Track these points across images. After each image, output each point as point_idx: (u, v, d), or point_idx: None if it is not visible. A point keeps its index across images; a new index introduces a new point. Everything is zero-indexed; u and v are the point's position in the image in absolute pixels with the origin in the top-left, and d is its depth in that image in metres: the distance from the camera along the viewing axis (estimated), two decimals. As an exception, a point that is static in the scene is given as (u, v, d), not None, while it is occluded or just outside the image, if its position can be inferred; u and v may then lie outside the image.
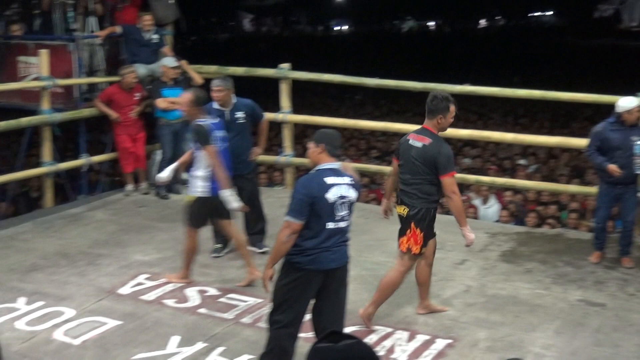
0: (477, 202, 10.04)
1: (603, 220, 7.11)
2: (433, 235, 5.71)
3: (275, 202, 8.24)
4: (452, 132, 10.03)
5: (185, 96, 6.46)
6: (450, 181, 5.44)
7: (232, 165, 6.68)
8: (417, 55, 32.00)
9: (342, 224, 4.60)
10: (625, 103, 6.77)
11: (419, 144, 5.49)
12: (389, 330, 5.61)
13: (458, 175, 10.06)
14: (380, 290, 5.66)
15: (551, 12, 56.73)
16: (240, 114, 7.11)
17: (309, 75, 9.51)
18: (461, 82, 9.67)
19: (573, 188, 9.37)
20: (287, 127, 9.60)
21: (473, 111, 18.33)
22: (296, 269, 4.55)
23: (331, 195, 4.52)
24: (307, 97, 19.76)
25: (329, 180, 4.55)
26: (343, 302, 4.75)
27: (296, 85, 9.54)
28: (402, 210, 5.56)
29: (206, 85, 8.07)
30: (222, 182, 6.22)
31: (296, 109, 9.58)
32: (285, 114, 9.43)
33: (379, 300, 5.67)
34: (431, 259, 5.80)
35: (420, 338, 5.51)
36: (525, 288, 6.44)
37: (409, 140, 5.58)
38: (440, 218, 8.57)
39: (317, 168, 4.65)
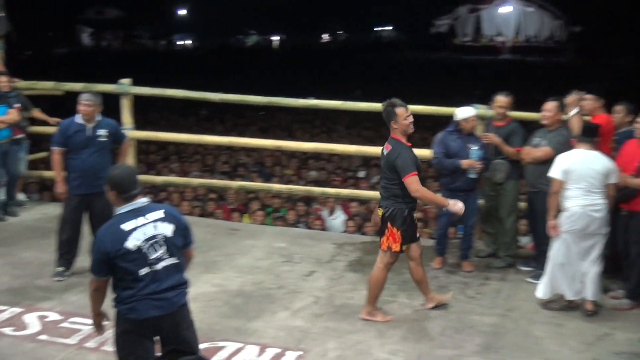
0: (323, 213, 10.22)
1: (445, 226, 7.42)
2: (415, 236, 6.07)
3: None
4: (296, 145, 10.24)
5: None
6: (409, 181, 5.77)
7: (90, 182, 6.73)
8: (262, 70, 32.21)
9: (160, 266, 4.18)
10: (462, 112, 7.12)
11: (385, 152, 5.96)
12: (239, 345, 5.59)
13: (304, 187, 10.31)
14: (370, 289, 6.10)
15: (390, 27, 58.77)
16: (102, 132, 6.97)
17: (151, 91, 9.35)
18: (305, 96, 9.84)
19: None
20: (129, 143, 9.37)
21: (317, 125, 18.68)
22: (122, 318, 4.21)
23: (132, 242, 4.12)
24: (150, 113, 19.44)
25: (128, 225, 4.16)
26: (192, 342, 4.36)
27: (139, 101, 9.36)
28: (380, 212, 6.00)
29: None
30: None
31: (139, 126, 9.39)
32: (127, 131, 9.22)
33: (372, 297, 6.09)
34: (419, 259, 6.16)
35: (271, 352, 5.53)
36: (372, 296, 6.60)
37: (383, 149, 6.03)
38: (286, 231, 8.76)
39: (116, 212, 4.31)
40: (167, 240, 4.22)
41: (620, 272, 6.68)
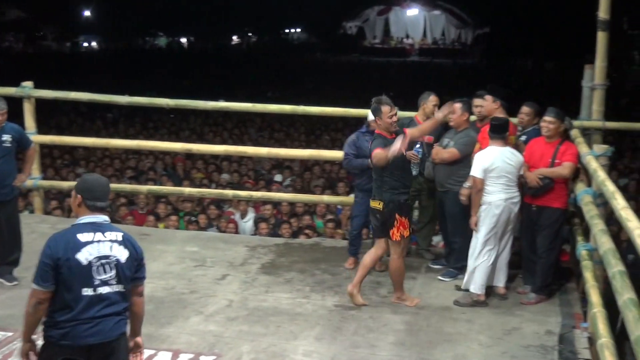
0: (236, 216, 10.17)
1: (359, 227, 7.49)
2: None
3: (24, 229, 7.78)
4: (207, 148, 10.16)
5: None
6: (373, 155, 6.22)
7: None
8: (171, 72, 31.79)
9: (105, 290, 3.95)
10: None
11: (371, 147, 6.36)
12: (151, 352, 5.49)
13: (215, 191, 10.23)
14: (393, 280, 6.53)
15: (300, 30, 58.95)
16: (7, 137, 6.75)
17: (54, 94, 9.08)
18: (216, 99, 9.77)
19: (327, 198, 9.78)
20: (34, 149, 9.10)
21: (229, 128, 18.57)
22: (50, 344, 3.93)
23: (84, 255, 3.90)
24: (58, 117, 18.94)
25: (84, 237, 3.94)
26: None
27: (45, 105, 9.10)
28: (377, 204, 6.31)
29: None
30: None
31: (43, 130, 9.13)
32: (30, 135, 8.95)
33: (398, 284, 6.53)
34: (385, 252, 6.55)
35: (184, 357, 5.46)
36: (285, 298, 6.61)
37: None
38: (198, 235, 8.67)
39: (75, 222, 4.07)
40: (118, 264, 4.00)
41: (527, 267, 6.88)
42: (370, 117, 7.19)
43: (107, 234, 4.02)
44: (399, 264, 6.42)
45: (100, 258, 3.94)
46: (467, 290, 6.58)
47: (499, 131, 6.53)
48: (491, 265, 6.53)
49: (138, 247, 4.17)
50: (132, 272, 4.09)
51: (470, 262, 6.56)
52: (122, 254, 4.02)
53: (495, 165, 6.42)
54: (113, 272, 3.98)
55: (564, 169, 6.53)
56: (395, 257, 6.41)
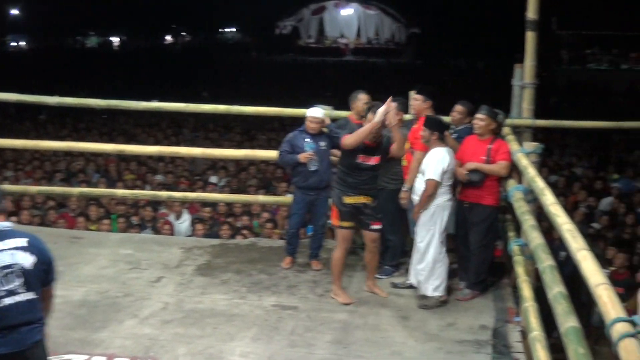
0: (171, 217, 10.07)
1: (296, 226, 7.49)
2: None
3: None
4: (140, 148, 10.02)
5: None
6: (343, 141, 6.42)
7: None
8: (103, 72, 31.30)
9: (13, 300, 3.81)
10: (312, 112, 7.22)
11: None
12: (85, 357, 5.41)
13: (149, 192, 10.12)
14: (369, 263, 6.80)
15: (235, 29, 58.70)
16: None
17: (-20, 95, 8.85)
18: (149, 99, 9.65)
19: (263, 198, 9.76)
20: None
21: (163, 128, 18.40)
22: None
23: None
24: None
25: None
26: None
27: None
28: (366, 199, 6.49)
29: None
30: None
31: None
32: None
33: (371, 271, 6.83)
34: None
35: (119, 362, 5.40)
36: (222, 299, 6.58)
37: None
38: (132, 237, 8.56)
39: None
40: (25, 272, 3.86)
41: (462, 263, 6.99)
42: (309, 114, 7.21)
43: (7, 241, 3.86)
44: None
45: (3, 268, 3.80)
46: (424, 295, 6.59)
47: (444, 129, 6.62)
48: (447, 265, 6.60)
49: (46, 251, 4.04)
50: (41, 277, 3.97)
51: (423, 266, 6.54)
52: (26, 260, 3.88)
53: (450, 167, 6.47)
54: (20, 281, 3.85)
55: (502, 168, 6.64)
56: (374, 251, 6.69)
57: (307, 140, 7.18)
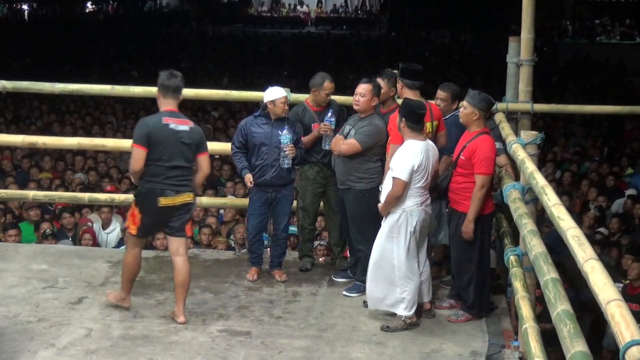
0: (96, 226, 10.00)
1: (256, 229, 7.49)
2: None
3: None
4: (56, 140, 9.92)
5: None
6: None
7: None
8: (8, 47, 30.88)
9: None
10: (270, 94, 7.22)
11: None
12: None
13: (67, 194, 10.03)
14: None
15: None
16: None
17: None
18: (67, 80, 9.58)
19: (207, 200, 9.73)
20: None
21: (84, 114, 18.23)
22: None
23: None
24: None
25: None
26: None
27: None
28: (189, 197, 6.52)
29: None
30: None
31: None
32: None
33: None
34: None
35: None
36: (158, 324, 6.55)
37: None
38: (46, 249, 8.49)
39: None
40: None
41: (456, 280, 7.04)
42: (266, 98, 7.22)
43: None
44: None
45: None
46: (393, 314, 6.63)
47: (420, 121, 6.46)
48: (418, 281, 6.61)
49: None
50: None
51: (386, 283, 6.56)
52: None
53: (423, 165, 6.39)
54: None
55: (476, 190, 6.56)
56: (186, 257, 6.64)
57: (284, 132, 7.19)
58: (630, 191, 12.09)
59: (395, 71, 7.23)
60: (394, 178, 6.37)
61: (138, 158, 6.27)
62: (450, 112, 7.23)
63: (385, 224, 6.51)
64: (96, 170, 12.76)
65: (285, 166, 7.26)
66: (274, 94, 7.26)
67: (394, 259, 6.50)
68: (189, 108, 18.32)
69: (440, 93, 7.29)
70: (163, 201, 6.30)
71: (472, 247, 6.70)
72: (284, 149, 7.17)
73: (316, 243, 9.00)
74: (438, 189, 6.83)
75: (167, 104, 6.39)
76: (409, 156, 6.35)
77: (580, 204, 11.42)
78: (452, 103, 7.26)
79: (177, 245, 6.53)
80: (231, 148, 7.44)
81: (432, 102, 7.20)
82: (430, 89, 7.38)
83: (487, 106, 6.75)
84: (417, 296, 6.58)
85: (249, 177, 7.22)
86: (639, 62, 27.64)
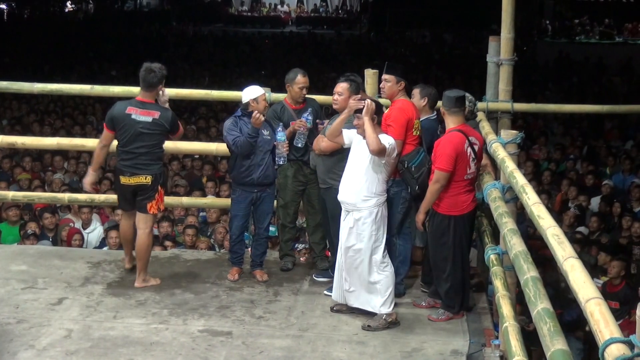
0: (76, 225, 9.97)
1: (239, 229, 7.51)
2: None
3: None
4: (36, 141, 9.89)
5: None
6: None
7: None
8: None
9: None
10: (251, 92, 7.23)
11: None
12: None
13: (47, 194, 9.99)
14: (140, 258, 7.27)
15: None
16: None
17: None
18: (47, 80, 9.54)
19: (188, 200, 9.71)
20: None
21: (63, 115, 18.12)
22: None
23: None
24: None
25: None
26: None
27: None
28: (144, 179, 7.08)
29: None
30: None
31: None
32: None
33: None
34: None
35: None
36: (138, 324, 6.54)
37: None
38: (26, 250, 8.45)
39: None
40: None
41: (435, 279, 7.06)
42: (247, 96, 7.23)
43: None
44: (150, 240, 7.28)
45: None
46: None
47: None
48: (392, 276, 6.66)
49: None
50: None
51: (363, 280, 6.60)
52: None
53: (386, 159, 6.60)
54: None
55: (430, 184, 6.65)
56: (148, 231, 7.25)
57: (279, 130, 7.32)
58: (606, 181, 12.24)
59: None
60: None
61: (102, 137, 7.24)
62: (425, 115, 7.20)
63: (367, 220, 6.57)
64: (75, 172, 12.71)
65: (281, 162, 7.37)
66: (254, 92, 7.27)
67: (375, 256, 6.58)
68: (172, 107, 18.30)
69: (415, 91, 7.29)
70: (122, 180, 7.07)
71: (445, 246, 6.74)
72: (282, 147, 7.27)
73: (299, 246, 9.00)
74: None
75: (140, 94, 7.11)
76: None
77: (560, 203, 11.47)
78: (426, 105, 7.24)
79: (138, 219, 7.21)
80: (229, 147, 7.39)
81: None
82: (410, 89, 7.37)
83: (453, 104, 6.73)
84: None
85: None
86: (618, 61, 27.79)
